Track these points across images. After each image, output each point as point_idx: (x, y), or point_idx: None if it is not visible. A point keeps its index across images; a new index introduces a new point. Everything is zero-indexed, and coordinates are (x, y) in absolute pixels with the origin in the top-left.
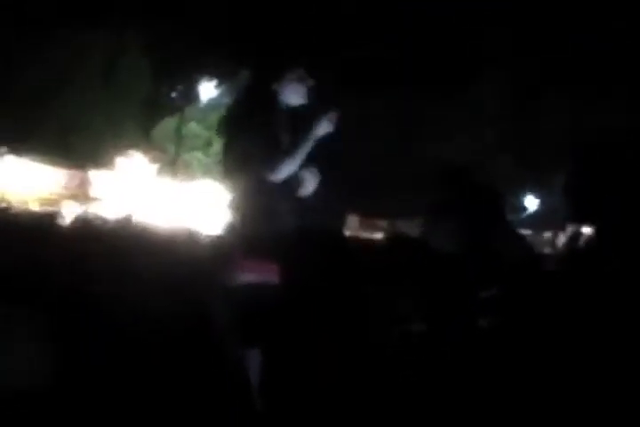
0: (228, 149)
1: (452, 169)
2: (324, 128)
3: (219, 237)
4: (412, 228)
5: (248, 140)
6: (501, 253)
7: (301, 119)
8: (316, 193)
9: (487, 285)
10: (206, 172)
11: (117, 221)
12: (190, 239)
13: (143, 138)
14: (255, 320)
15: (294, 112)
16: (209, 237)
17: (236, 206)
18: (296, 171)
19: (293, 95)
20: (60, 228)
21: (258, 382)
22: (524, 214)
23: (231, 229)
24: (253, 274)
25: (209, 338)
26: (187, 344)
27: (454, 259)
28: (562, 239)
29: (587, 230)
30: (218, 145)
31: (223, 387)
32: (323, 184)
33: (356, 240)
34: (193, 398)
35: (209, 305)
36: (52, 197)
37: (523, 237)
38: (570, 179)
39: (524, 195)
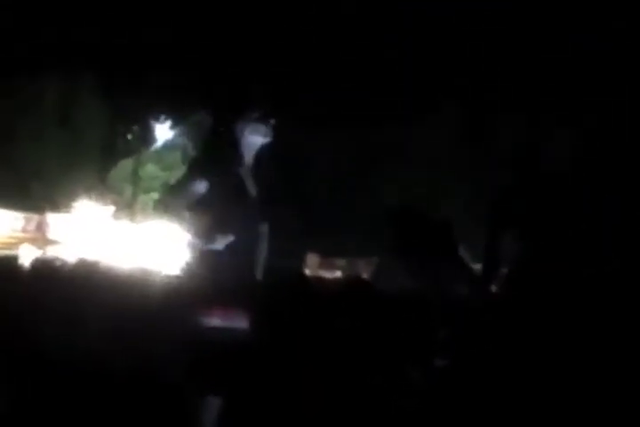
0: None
1: (395, 211)
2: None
3: (179, 280)
4: (370, 267)
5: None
6: (452, 287)
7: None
8: (276, 234)
9: (441, 324)
10: (163, 213)
11: (77, 263)
12: (150, 280)
13: (100, 180)
14: (219, 365)
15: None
16: (169, 277)
17: (194, 250)
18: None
19: (255, 134)
20: (19, 270)
21: None
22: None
23: (192, 271)
24: (218, 318)
25: (166, 383)
26: (143, 390)
27: (406, 298)
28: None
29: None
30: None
31: None
32: (281, 224)
33: (316, 280)
34: None
35: (169, 348)
36: (10, 240)
37: (471, 270)
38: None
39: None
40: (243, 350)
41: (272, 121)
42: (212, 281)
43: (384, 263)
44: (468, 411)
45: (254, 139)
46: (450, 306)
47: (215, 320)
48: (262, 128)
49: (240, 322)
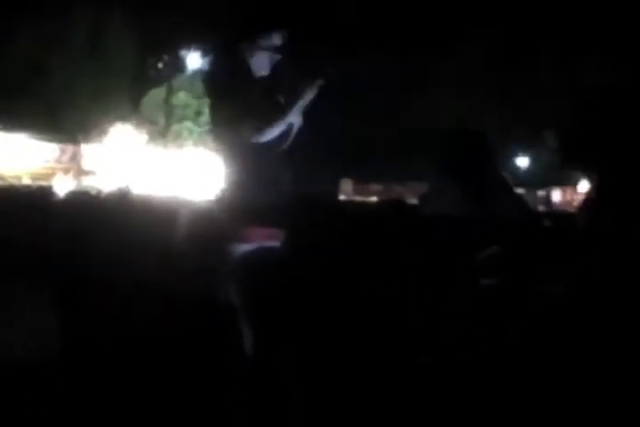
0: (214, 114)
1: (454, 134)
2: (308, 97)
3: (214, 205)
4: (406, 191)
5: (233, 103)
6: (502, 212)
7: (275, 89)
8: (310, 158)
9: (488, 244)
10: (197, 141)
11: (113, 193)
12: (189, 208)
13: (132, 109)
14: (259, 285)
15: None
16: (204, 205)
17: (229, 173)
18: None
19: (259, 65)
20: (55, 201)
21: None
22: (517, 172)
23: (226, 196)
24: (258, 241)
25: (220, 313)
26: (195, 319)
27: (454, 220)
28: (556, 196)
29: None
30: (207, 114)
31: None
32: (316, 150)
33: (351, 203)
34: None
35: (219, 277)
36: (45, 171)
37: (521, 197)
38: (570, 125)
39: (514, 153)
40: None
41: (277, 56)
42: (249, 202)
43: (436, 188)
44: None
45: (262, 56)
46: (500, 227)
47: (254, 243)
48: (264, 60)
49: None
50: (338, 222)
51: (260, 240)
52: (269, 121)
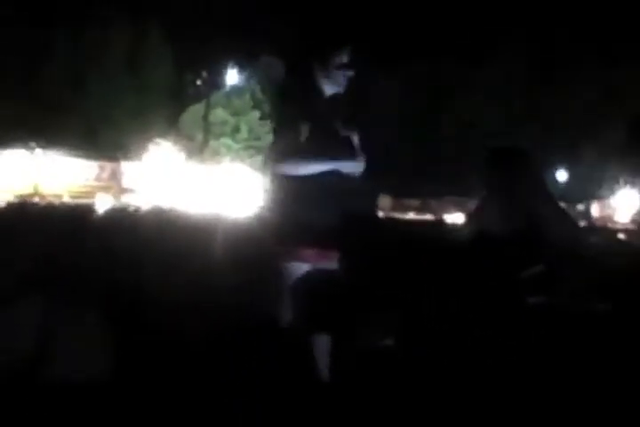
0: (282, 132)
1: (499, 151)
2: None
3: (259, 223)
4: (442, 206)
5: (277, 131)
6: (552, 231)
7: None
8: (349, 177)
9: (535, 262)
10: (234, 157)
11: (151, 210)
12: (230, 225)
13: (171, 126)
14: (323, 306)
15: (333, 99)
16: (246, 222)
17: (272, 194)
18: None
19: (331, 84)
20: (96, 219)
21: (328, 367)
22: (555, 186)
23: (277, 214)
24: (310, 262)
25: (273, 327)
26: (247, 335)
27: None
28: (594, 211)
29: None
30: (245, 131)
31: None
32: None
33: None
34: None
35: (271, 293)
36: (85, 189)
37: (570, 216)
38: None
39: (554, 167)
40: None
41: (350, 72)
42: (299, 221)
43: (484, 204)
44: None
45: (329, 88)
46: (548, 246)
47: (307, 264)
48: (339, 77)
49: (333, 263)
50: (390, 244)
51: (316, 261)
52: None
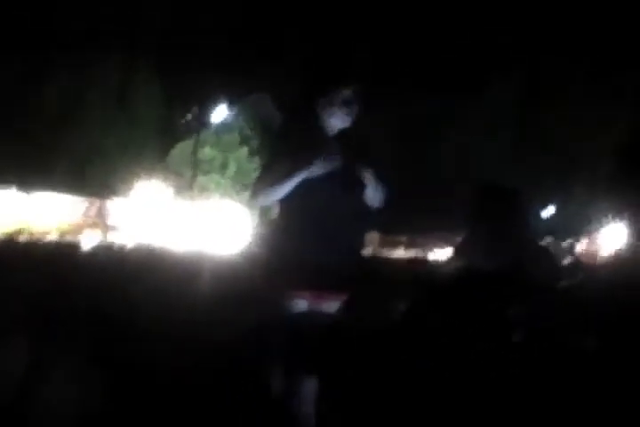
0: (277, 168)
1: (481, 187)
2: (315, 170)
3: (248, 261)
4: (430, 243)
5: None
6: (532, 267)
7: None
8: (335, 213)
9: (518, 301)
10: (223, 194)
11: (137, 248)
12: (218, 263)
13: (159, 163)
14: (311, 347)
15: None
16: (235, 259)
17: (261, 231)
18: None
19: (335, 119)
20: (82, 256)
21: (315, 409)
22: (543, 222)
23: (272, 253)
24: (308, 302)
25: (252, 366)
26: (228, 372)
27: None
28: (579, 247)
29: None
30: (233, 167)
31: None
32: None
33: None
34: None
35: (256, 332)
36: (73, 226)
37: (551, 254)
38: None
39: (544, 203)
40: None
41: (356, 108)
42: (299, 260)
43: (469, 240)
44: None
45: (334, 122)
46: (530, 285)
47: (304, 304)
48: (345, 113)
49: (332, 307)
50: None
51: (313, 301)
52: (263, 187)
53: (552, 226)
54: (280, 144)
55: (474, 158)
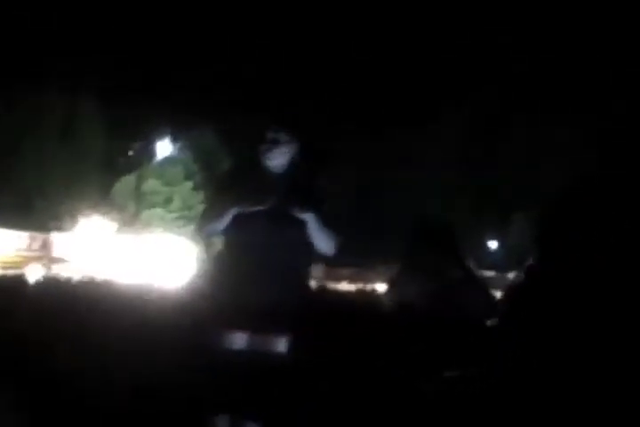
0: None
1: (431, 227)
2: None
3: (189, 297)
4: (376, 276)
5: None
6: (465, 303)
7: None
8: (278, 243)
9: (450, 337)
10: (167, 227)
11: (82, 280)
12: (160, 297)
13: (103, 196)
14: (250, 389)
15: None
16: (176, 293)
17: (205, 264)
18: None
19: (264, 159)
20: (26, 289)
21: None
22: (487, 255)
23: (202, 287)
24: (245, 341)
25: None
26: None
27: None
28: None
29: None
30: (178, 201)
31: None
32: (285, 234)
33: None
34: None
35: (190, 371)
36: (16, 259)
37: (483, 284)
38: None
39: (484, 237)
40: (273, 373)
41: (284, 148)
42: (238, 299)
43: (400, 274)
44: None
45: (266, 162)
46: (463, 320)
47: (241, 343)
48: (270, 151)
49: (272, 346)
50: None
51: (254, 339)
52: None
53: (496, 259)
54: (227, 180)
55: (418, 194)
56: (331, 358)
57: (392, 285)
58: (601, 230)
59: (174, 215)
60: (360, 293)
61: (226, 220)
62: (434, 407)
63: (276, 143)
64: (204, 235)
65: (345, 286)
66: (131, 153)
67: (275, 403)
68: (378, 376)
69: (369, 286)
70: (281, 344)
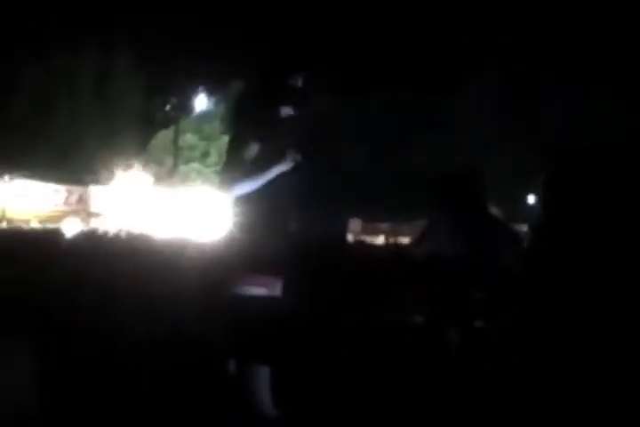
0: (235, 154)
1: (436, 179)
2: (280, 169)
3: (219, 249)
4: (411, 230)
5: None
6: (493, 249)
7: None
8: (318, 199)
9: (479, 286)
10: (204, 182)
11: (119, 234)
12: (192, 250)
13: (140, 151)
14: (261, 335)
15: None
16: (209, 247)
17: (234, 217)
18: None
19: (287, 106)
20: (64, 243)
21: (270, 396)
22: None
23: (230, 239)
24: (255, 287)
25: (206, 353)
26: (183, 358)
27: (450, 261)
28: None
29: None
30: (215, 155)
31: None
32: (324, 190)
33: (360, 248)
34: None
35: (211, 318)
36: (53, 213)
37: (512, 230)
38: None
39: (523, 191)
40: (280, 318)
41: (304, 96)
42: (250, 247)
43: (429, 228)
44: (499, 374)
45: (285, 109)
46: (490, 269)
47: (254, 289)
48: (294, 98)
49: (277, 291)
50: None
51: (259, 286)
52: (235, 179)
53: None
54: (248, 128)
55: (454, 153)
56: (355, 308)
57: (422, 237)
58: (606, 194)
59: (211, 170)
60: (390, 246)
61: (267, 178)
62: (458, 357)
63: (302, 92)
64: (235, 191)
65: (382, 240)
66: (168, 108)
67: (287, 349)
68: (404, 325)
69: (404, 240)
70: (300, 292)
